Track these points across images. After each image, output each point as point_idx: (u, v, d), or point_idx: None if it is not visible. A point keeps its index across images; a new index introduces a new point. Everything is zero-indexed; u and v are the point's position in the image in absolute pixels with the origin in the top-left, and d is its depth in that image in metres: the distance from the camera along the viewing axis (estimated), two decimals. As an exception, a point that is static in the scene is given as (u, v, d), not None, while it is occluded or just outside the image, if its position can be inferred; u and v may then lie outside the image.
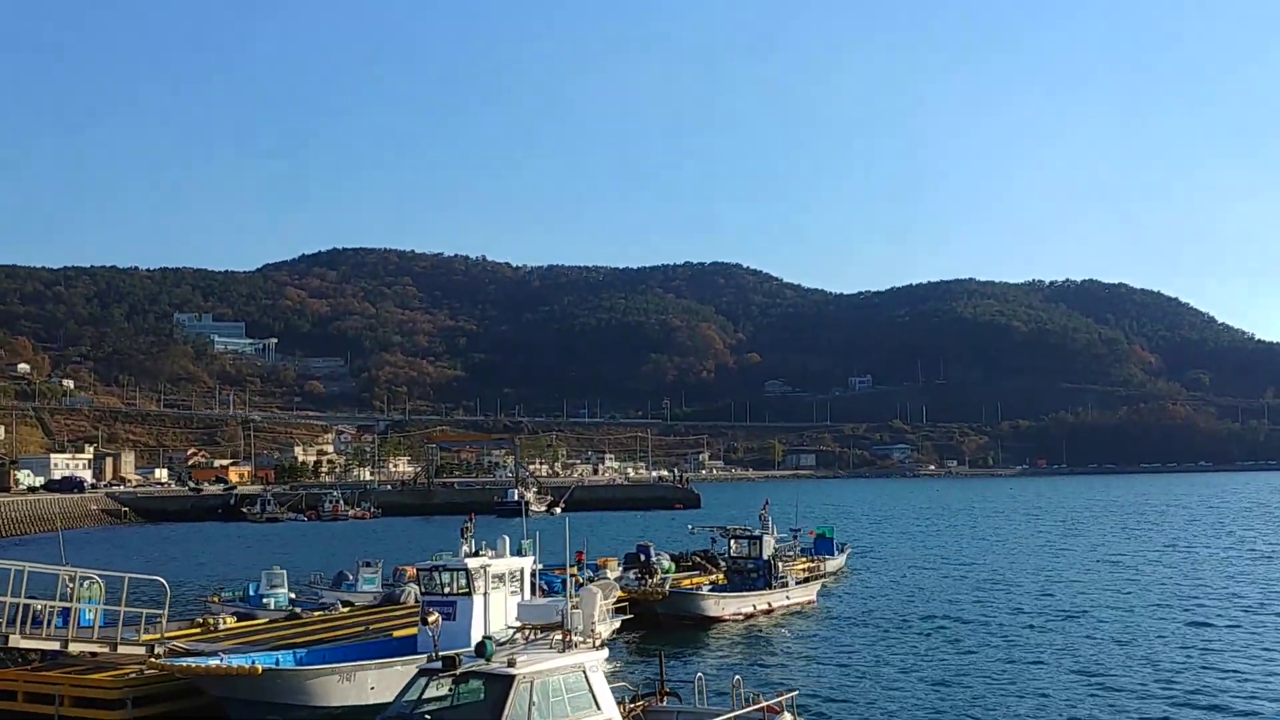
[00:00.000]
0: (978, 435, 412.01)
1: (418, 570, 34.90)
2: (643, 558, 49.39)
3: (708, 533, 53.53)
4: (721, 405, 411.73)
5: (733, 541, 47.82)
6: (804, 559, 51.73)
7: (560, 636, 18.47)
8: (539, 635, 19.20)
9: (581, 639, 18.50)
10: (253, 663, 27.38)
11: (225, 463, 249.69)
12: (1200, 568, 63.11)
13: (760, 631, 41.41)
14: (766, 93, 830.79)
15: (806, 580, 48.34)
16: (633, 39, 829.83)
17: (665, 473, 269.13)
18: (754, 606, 44.20)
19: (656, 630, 39.77)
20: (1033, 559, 70.04)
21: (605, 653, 18.73)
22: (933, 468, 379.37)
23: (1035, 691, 29.94)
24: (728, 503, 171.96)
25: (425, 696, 17.60)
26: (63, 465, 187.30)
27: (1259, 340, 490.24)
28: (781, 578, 46.52)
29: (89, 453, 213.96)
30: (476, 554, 34.29)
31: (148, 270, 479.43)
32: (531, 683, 17.07)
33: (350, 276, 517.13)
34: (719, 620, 42.58)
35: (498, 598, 32.43)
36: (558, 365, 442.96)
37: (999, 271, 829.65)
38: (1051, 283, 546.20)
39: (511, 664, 17.08)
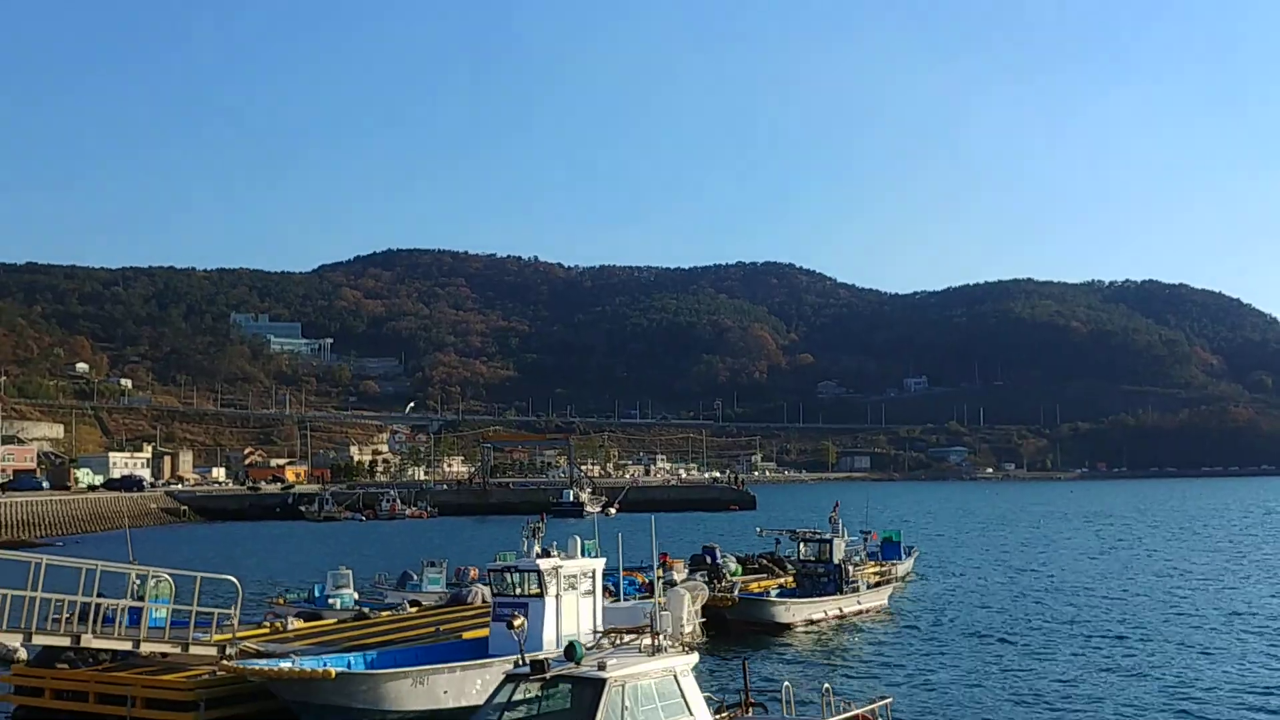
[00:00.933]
0: (1036, 438, 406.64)
1: (488, 571, 34.33)
2: (709, 560, 48.61)
3: (775, 535, 52.57)
4: (774, 406, 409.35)
5: (802, 545, 46.81)
6: (873, 563, 50.63)
7: (649, 640, 17.80)
8: (623, 639, 18.52)
9: (670, 643, 17.84)
10: (324, 665, 26.98)
11: (282, 462, 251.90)
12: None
13: (833, 638, 40.44)
14: (821, 92, 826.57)
15: (878, 585, 47.29)
16: (688, 38, 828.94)
17: (718, 474, 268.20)
18: (825, 612, 43.25)
19: (725, 636, 38.93)
20: (1099, 566, 68.39)
21: (695, 657, 18.04)
22: (990, 470, 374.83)
23: (1125, 703, 28.86)
24: (783, 504, 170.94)
25: (513, 700, 17.01)
26: (121, 464, 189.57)
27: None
28: (853, 582, 45.49)
29: (147, 452, 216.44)
30: (547, 554, 33.84)
31: (205, 271, 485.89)
32: (623, 686, 16.44)
33: (404, 277, 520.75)
34: (789, 626, 41.65)
35: (570, 600, 31.78)
36: (609, 366, 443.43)
37: (1057, 271, 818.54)
38: (1111, 283, 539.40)
39: (602, 667, 16.45)
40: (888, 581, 48.48)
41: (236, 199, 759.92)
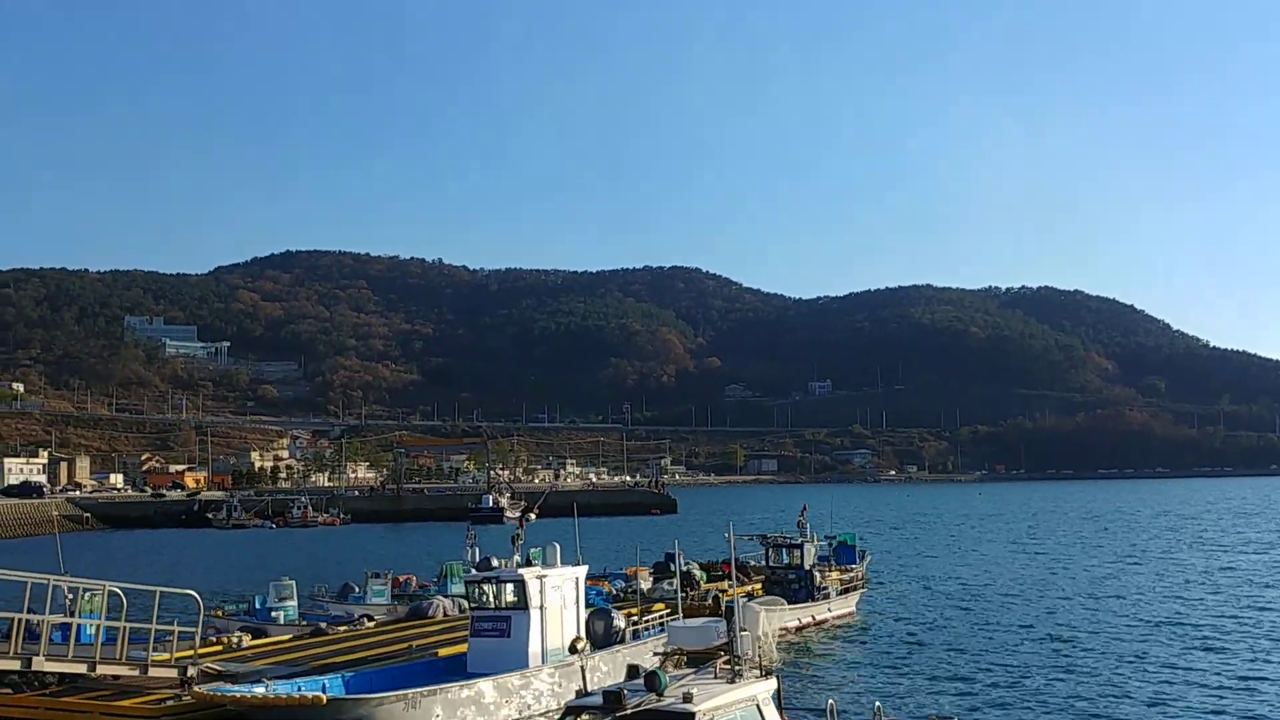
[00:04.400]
0: (937, 441, 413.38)
1: (466, 583, 32.06)
2: (672, 566, 46.65)
3: (745, 539, 50.84)
4: (682, 410, 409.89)
5: (771, 550, 45.17)
6: (838, 568, 49.30)
7: (723, 664, 15.85)
8: (675, 662, 16.51)
9: (749, 668, 15.92)
10: (301, 690, 24.56)
11: (181, 468, 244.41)
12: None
13: (813, 647, 38.84)
14: (723, 97, 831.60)
15: (845, 591, 45.88)
16: (591, 41, 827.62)
17: (629, 478, 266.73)
18: (799, 620, 41.65)
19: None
20: (1037, 565, 68.25)
21: (775, 683, 16.12)
22: (893, 473, 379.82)
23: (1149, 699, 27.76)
24: (702, 507, 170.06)
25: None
26: (17, 470, 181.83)
27: (1213, 347, 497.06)
28: (823, 589, 44.04)
29: (43, 458, 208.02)
30: (528, 564, 31.72)
31: (98, 272, 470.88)
32: (711, 720, 14.45)
33: (304, 279, 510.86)
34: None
35: (554, 610, 29.78)
36: (516, 369, 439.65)
37: (956, 278, 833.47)
38: (1008, 289, 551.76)
39: (689, 699, 14.40)
40: (855, 588, 47.07)
41: (129, 198, 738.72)
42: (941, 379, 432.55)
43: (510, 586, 29.10)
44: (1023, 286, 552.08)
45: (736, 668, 15.73)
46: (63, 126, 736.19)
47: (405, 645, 31.94)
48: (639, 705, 14.35)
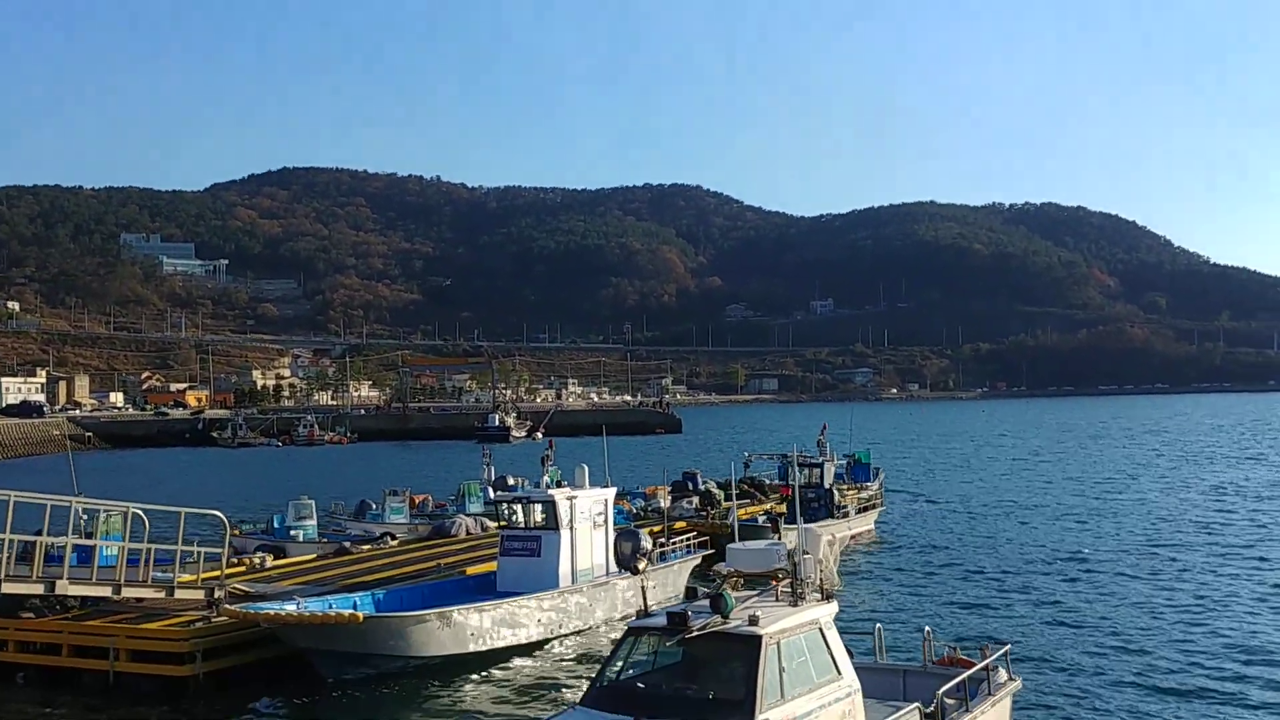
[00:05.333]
0: (939, 359, 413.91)
1: (496, 503, 31.69)
2: (690, 486, 46.45)
3: (762, 458, 50.58)
4: (683, 330, 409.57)
5: (791, 469, 44.82)
6: (853, 486, 49.08)
7: (785, 588, 15.36)
8: (733, 584, 16.00)
9: (810, 591, 15.44)
10: (334, 607, 24.26)
11: (182, 387, 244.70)
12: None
13: (838, 568, 38.55)
14: (724, 15, 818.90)
15: (865, 509, 45.67)
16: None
17: (630, 398, 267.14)
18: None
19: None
20: (1048, 482, 68.16)
21: (836, 606, 15.66)
22: (895, 391, 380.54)
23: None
24: (706, 426, 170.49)
25: (641, 660, 14.46)
26: (15, 390, 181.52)
27: (1214, 264, 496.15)
28: (843, 507, 43.80)
29: (41, 376, 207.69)
30: (559, 484, 31.33)
31: (93, 189, 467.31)
32: (778, 644, 13.96)
33: (301, 197, 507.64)
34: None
35: (584, 532, 29.48)
36: (516, 289, 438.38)
37: (959, 194, 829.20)
38: (1011, 205, 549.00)
39: (755, 621, 13.93)
40: (873, 505, 46.87)
41: (123, 114, 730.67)
42: (944, 296, 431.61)
43: (540, 507, 28.83)
44: (1026, 203, 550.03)
45: (799, 590, 15.26)
46: (54, 42, 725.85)
47: (432, 564, 31.62)
48: (705, 627, 13.91)
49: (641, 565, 16.01)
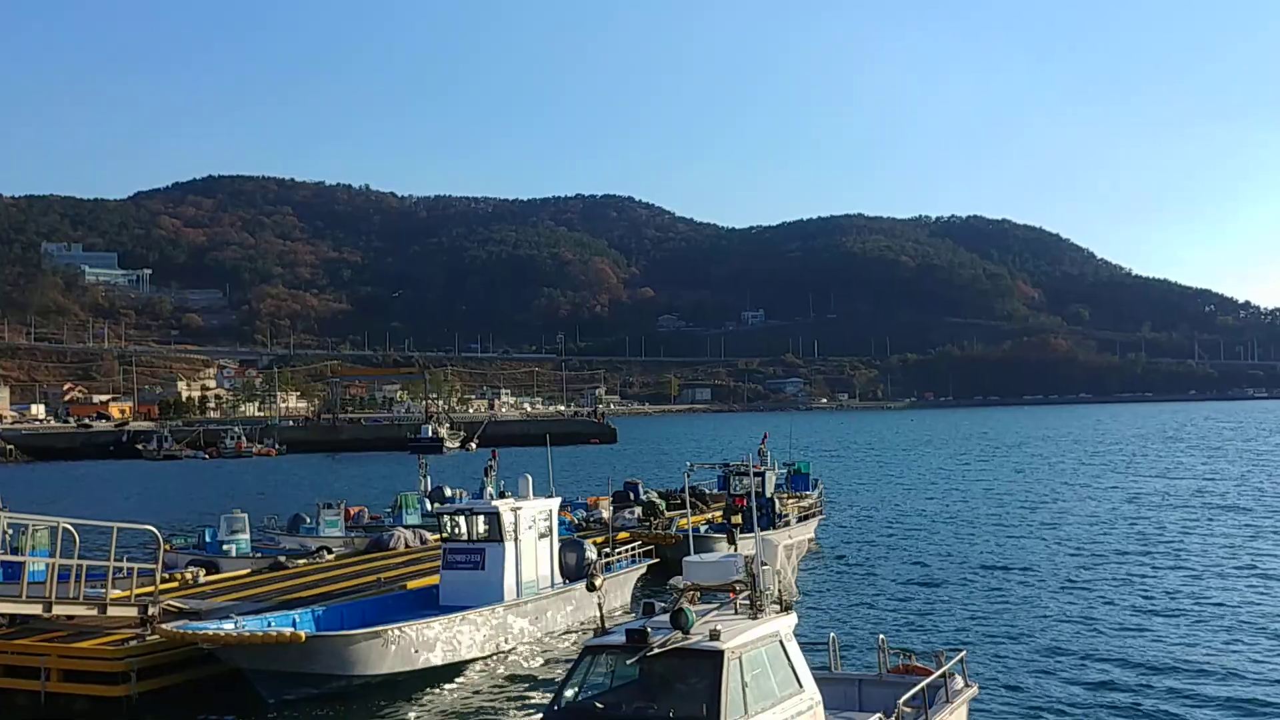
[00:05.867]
0: (868, 369, 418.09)
1: (437, 514, 31.19)
2: (632, 496, 46.21)
3: (705, 467, 50.46)
4: (616, 340, 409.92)
5: (733, 478, 44.82)
6: (793, 495, 49.16)
7: (743, 599, 15.16)
8: (689, 598, 15.78)
9: (769, 603, 15.26)
10: (273, 625, 23.67)
11: (105, 398, 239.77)
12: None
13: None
14: (656, 24, 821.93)
15: (804, 519, 45.72)
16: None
17: (564, 408, 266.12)
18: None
19: (668, 577, 36.57)
20: (980, 490, 68.89)
21: (794, 618, 15.49)
22: (825, 401, 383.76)
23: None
24: (642, 436, 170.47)
25: (599, 679, 14.15)
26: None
27: (1136, 275, 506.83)
28: (784, 516, 43.80)
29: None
30: (503, 495, 30.94)
31: (12, 197, 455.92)
32: (740, 659, 13.75)
33: (227, 205, 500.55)
34: (731, 563, 39.62)
35: (529, 543, 29.12)
36: (447, 299, 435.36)
37: (886, 207, 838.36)
38: (937, 218, 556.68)
39: (716, 636, 13.70)
40: (813, 515, 46.97)
41: (45, 120, 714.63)
42: (872, 308, 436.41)
43: (483, 518, 28.40)
44: (952, 216, 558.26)
45: (758, 602, 15.08)
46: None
47: (372, 578, 31.03)
48: (665, 643, 13.64)
49: (598, 581, 15.65)
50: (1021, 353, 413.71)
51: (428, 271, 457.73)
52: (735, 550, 18.33)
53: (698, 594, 15.94)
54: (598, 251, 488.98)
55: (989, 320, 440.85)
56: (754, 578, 15.17)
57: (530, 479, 30.48)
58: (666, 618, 14.39)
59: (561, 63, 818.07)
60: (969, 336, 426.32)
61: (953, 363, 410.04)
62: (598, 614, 15.30)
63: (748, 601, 15.15)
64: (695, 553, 37.00)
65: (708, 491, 50.14)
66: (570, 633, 29.43)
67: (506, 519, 28.22)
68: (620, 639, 13.95)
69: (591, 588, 15.74)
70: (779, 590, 15.58)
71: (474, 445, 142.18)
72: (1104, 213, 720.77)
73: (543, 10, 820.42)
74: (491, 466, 32.32)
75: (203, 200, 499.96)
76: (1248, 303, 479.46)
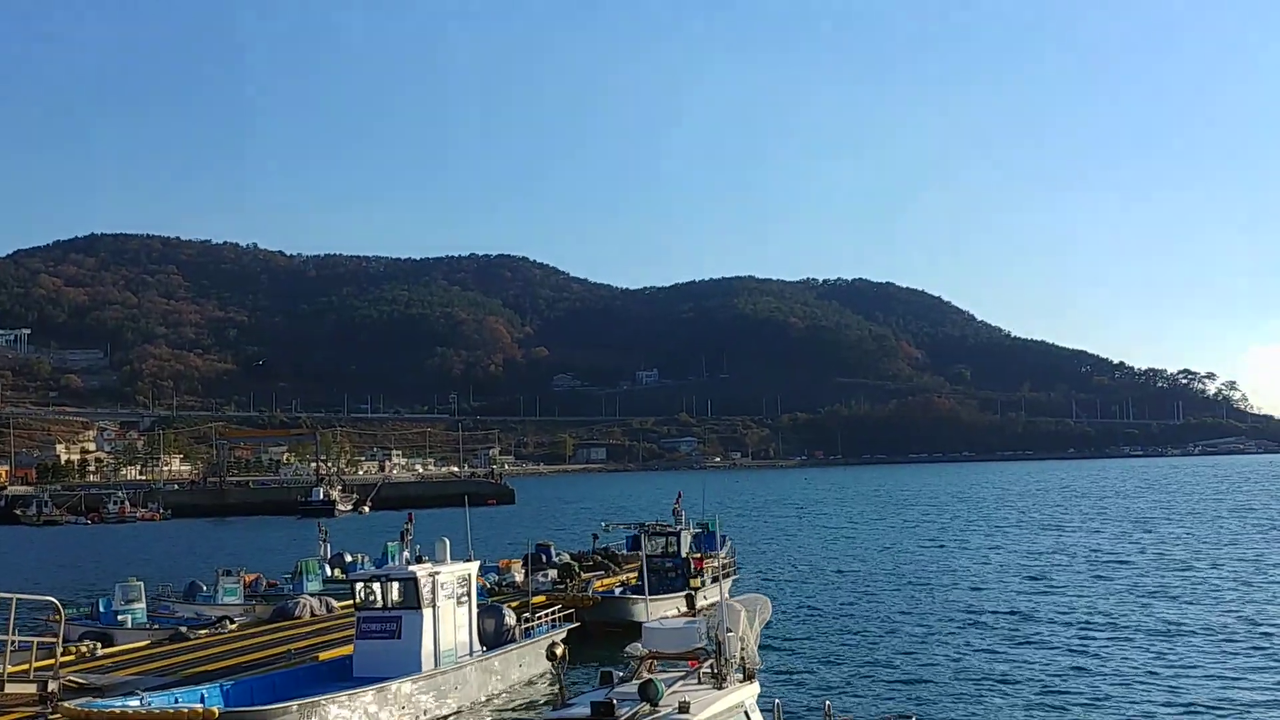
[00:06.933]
0: (760, 428, 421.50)
1: (351, 582, 30.02)
2: (544, 559, 45.34)
3: (618, 527, 49.78)
4: (510, 400, 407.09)
5: (647, 538, 44.25)
6: (705, 555, 48.69)
7: (707, 669, 14.63)
8: (648, 666, 15.19)
9: (733, 671, 14.75)
10: (179, 701, 22.38)
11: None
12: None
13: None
14: (554, 84, 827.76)
15: (718, 579, 45.23)
16: (436, 10, 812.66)
17: (457, 469, 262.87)
18: (678, 609, 40.80)
19: (586, 641, 35.86)
20: (884, 546, 69.46)
21: (758, 687, 15.01)
22: (718, 460, 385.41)
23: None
24: (540, 497, 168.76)
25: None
26: None
27: (1014, 337, 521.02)
28: (700, 575, 43.33)
29: None
30: (419, 559, 29.94)
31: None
32: (708, 731, 13.22)
33: (109, 264, 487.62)
34: (646, 626, 39.00)
35: (447, 610, 28.18)
36: (337, 359, 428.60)
37: (776, 270, 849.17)
38: (825, 281, 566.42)
39: (685, 709, 13.15)
40: (727, 574, 46.52)
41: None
42: (764, 367, 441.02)
43: (399, 584, 27.42)
44: (839, 278, 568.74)
45: (722, 671, 14.56)
46: None
47: (281, 649, 29.69)
48: (633, 716, 13.04)
49: (559, 650, 14.95)
50: (906, 412, 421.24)
51: (317, 331, 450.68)
52: (696, 614, 17.80)
53: (654, 662, 15.39)
54: (492, 311, 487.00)
55: (875, 380, 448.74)
56: (720, 645, 14.68)
57: (448, 542, 29.65)
58: (629, 688, 13.83)
59: (455, 121, 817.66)
60: (856, 396, 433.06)
61: (841, 422, 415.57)
62: (558, 686, 14.64)
63: (710, 670, 14.64)
64: (613, 615, 36.14)
65: (619, 552, 49.49)
66: (491, 703, 28.50)
67: (424, 585, 27.31)
68: (585, 711, 13.38)
69: (552, 656, 15.04)
70: (742, 657, 15.11)
71: (367, 508, 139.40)
72: (983, 277, 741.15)
73: (436, 69, 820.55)
74: (407, 530, 31.40)
75: (84, 258, 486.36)
76: (1121, 363, 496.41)
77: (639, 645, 15.47)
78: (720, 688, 14.30)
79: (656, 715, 13.07)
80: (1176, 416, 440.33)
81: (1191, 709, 25.45)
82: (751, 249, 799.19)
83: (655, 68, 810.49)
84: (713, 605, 20.82)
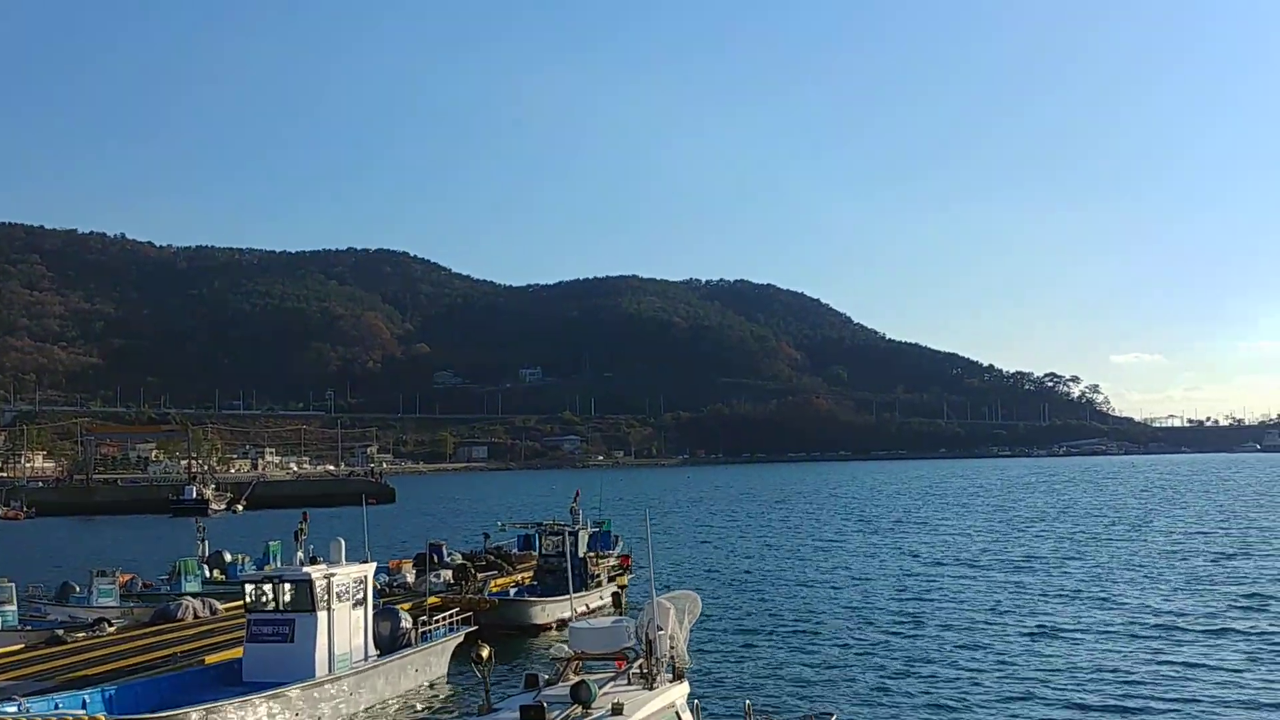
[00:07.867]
0: (643, 427, 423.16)
1: (243, 582, 28.85)
2: (437, 558, 44.41)
3: (517, 526, 49.05)
4: (390, 397, 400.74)
5: (543, 538, 43.66)
6: (601, 555, 48.25)
7: (637, 669, 14.23)
8: (574, 667, 14.74)
9: (663, 671, 14.38)
10: (60, 708, 21.20)
11: None
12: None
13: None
14: (433, 79, 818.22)
15: (614, 578, 44.95)
16: (325, 15, 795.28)
17: (333, 467, 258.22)
18: (574, 610, 40.31)
19: (483, 645, 35.10)
20: (772, 540, 70.08)
21: (688, 686, 14.65)
22: (601, 458, 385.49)
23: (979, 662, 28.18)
24: (421, 496, 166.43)
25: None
26: None
27: (890, 339, 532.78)
28: (595, 576, 42.97)
29: None
30: (314, 561, 28.92)
31: None
32: (641, 734, 12.83)
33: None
34: (544, 628, 38.54)
35: (342, 613, 27.28)
36: (208, 353, 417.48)
37: (660, 269, 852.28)
38: (708, 281, 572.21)
39: (619, 710, 12.72)
40: (625, 573, 46.27)
41: None
42: (647, 367, 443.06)
43: (292, 586, 26.44)
44: (721, 279, 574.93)
45: (653, 671, 14.18)
46: None
47: (165, 653, 28.40)
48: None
49: (485, 653, 14.38)
50: (786, 411, 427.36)
51: (187, 325, 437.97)
52: (621, 614, 17.39)
53: (580, 664, 14.94)
54: (371, 306, 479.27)
55: (756, 380, 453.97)
56: (651, 644, 14.29)
57: (343, 542, 28.75)
58: (558, 690, 13.38)
59: (332, 110, 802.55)
60: (738, 395, 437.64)
61: (723, 421, 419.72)
62: (483, 690, 14.05)
63: (639, 670, 14.26)
64: (511, 617, 35.55)
65: (511, 552, 48.82)
66: (388, 709, 27.68)
67: (319, 586, 26.38)
68: (513, 716, 12.83)
69: (478, 660, 14.43)
70: (671, 657, 14.76)
71: (240, 507, 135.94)
72: (859, 281, 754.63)
73: (321, 61, 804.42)
74: (302, 529, 30.32)
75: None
76: (991, 366, 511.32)
77: (565, 647, 15.02)
78: (651, 688, 13.93)
79: (590, 718, 12.65)
80: (1043, 418, 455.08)
81: (1080, 703, 25.87)
82: (635, 248, 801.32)
83: (545, 71, 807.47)
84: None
